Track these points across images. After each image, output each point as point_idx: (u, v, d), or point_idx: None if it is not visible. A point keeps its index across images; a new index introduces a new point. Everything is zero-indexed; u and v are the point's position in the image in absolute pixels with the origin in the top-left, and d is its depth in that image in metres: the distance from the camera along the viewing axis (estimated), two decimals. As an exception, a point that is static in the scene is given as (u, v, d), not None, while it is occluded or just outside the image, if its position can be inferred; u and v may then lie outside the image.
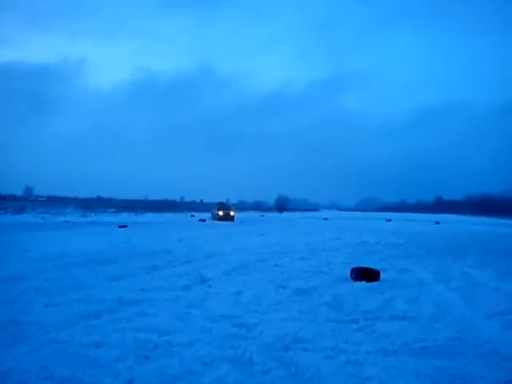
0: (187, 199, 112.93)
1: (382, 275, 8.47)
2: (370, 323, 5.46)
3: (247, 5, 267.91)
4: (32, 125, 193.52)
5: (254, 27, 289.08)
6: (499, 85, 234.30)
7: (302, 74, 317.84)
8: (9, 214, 37.97)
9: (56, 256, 10.62)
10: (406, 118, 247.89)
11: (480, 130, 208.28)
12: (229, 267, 9.51)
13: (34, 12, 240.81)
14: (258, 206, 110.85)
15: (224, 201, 46.13)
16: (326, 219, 48.09)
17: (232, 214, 38.49)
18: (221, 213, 37.88)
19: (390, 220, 48.77)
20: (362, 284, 7.90)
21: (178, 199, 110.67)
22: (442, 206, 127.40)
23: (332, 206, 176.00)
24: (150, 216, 46.70)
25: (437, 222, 44.45)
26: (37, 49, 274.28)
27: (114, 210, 57.06)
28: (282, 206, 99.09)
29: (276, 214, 75.71)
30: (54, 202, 69.24)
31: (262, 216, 61.36)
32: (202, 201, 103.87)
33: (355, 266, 9.08)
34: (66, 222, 30.55)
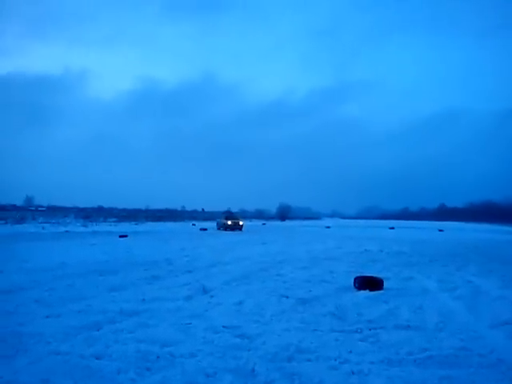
0: (188, 208, 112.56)
1: (385, 284, 8.40)
2: (373, 333, 5.41)
3: (249, 13, 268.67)
4: (32, 135, 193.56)
5: (256, 35, 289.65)
6: (501, 91, 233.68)
7: (304, 82, 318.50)
8: (9, 224, 38.05)
9: (56, 266, 10.59)
10: (408, 125, 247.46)
11: (482, 137, 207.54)
12: (230, 277, 9.46)
13: (35, 22, 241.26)
14: (260, 215, 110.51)
15: (227, 209, 44.91)
16: (328, 227, 48.03)
17: (241, 223, 37.71)
18: (229, 222, 37.09)
19: (392, 228, 48.64)
20: (366, 293, 7.84)
21: (179, 208, 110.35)
22: (444, 213, 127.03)
23: (334, 215, 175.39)
24: (150, 225, 46.69)
25: (440, 230, 44.27)
26: (38, 59, 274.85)
27: (114, 219, 57.10)
28: (283, 214, 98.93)
29: (278, 223, 75.55)
30: (55, 212, 69.18)
31: (264, 224, 61.25)
32: (203, 210, 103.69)
33: (358, 274, 9.03)
34: (66, 231, 30.54)
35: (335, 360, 4.39)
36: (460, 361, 4.40)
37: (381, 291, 8.06)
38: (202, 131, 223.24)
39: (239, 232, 33.30)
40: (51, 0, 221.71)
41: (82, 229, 35.33)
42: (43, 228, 34.15)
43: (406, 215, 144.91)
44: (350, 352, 4.64)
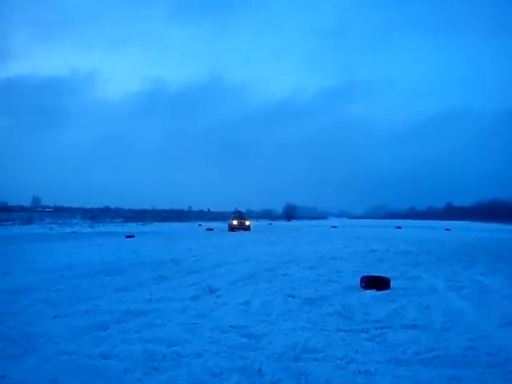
0: (194, 208, 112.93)
1: (392, 283, 8.38)
2: (380, 332, 5.39)
3: (256, 14, 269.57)
4: (40, 136, 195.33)
5: (263, 36, 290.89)
6: (507, 90, 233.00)
7: (311, 83, 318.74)
8: (17, 225, 38.26)
9: (63, 267, 10.65)
10: (414, 124, 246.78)
11: (489, 136, 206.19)
12: (237, 277, 9.46)
13: (44, 24, 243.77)
14: (266, 215, 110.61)
15: (235, 209, 43.02)
16: (334, 227, 47.89)
17: (247, 223, 36.36)
18: (235, 222, 35.90)
19: (399, 227, 48.42)
20: (372, 292, 7.81)
21: (185, 209, 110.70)
22: (452, 212, 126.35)
23: (341, 214, 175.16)
24: (157, 225, 46.78)
25: (447, 229, 44.11)
26: (46, 61, 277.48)
27: (121, 220, 57.26)
28: (290, 214, 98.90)
29: (284, 223, 75.53)
30: (62, 213, 69.61)
31: (270, 224, 61.24)
32: (209, 210, 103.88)
33: (365, 274, 9.01)
34: (73, 232, 30.68)
35: (342, 360, 4.38)
36: (468, 360, 4.37)
37: (387, 291, 8.04)
38: (209, 132, 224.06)
39: (245, 232, 33.19)
40: (60, 3, 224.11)
41: (88, 229, 35.48)
42: (50, 229, 34.34)
43: (412, 214, 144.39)
44: (357, 351, 4.63)
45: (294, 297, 7.41)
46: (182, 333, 5.20)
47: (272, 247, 18.22)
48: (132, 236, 24.34)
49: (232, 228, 35.05)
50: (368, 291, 7.94)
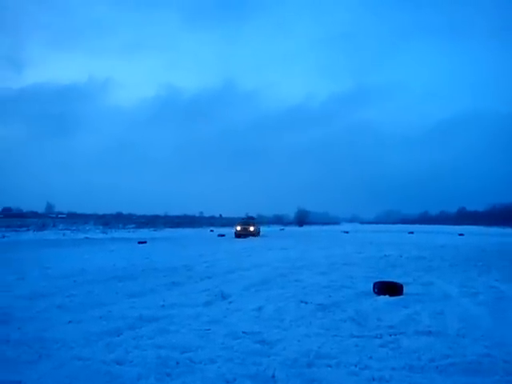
0: (206, 214, 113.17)
1: (405, 289, 8.31)
2: (394, 338, 5.34)
3: (269, 20, 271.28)
4: (54, 143, 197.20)
5: (275, 43, 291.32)
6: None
7: (322, 88, 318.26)
8: (31, 231, 38.64)
9: (76, 273, 10.72)
10: (427, 128, 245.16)
11: (502, 139, 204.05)
12: (249, 283, 9.45)
13: (59, 33, 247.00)
14: (278, 220, 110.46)
15: (246, 214, 41.61)
16: (346, 232, 47.68)
17: (251, 229, 34.88)
18: (238, 228, 35.02)
19: (412, 232, 48.05)
20: (385, 298, 7.76)
21: (197, 214, 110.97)
22: (465, 217, 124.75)
23: (353, 219, 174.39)
24: (169, 231, 46.93)
25: (460, 234, 43.71)
26: (62, 69, 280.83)
27: (133, 225, 57.55)
28: (301, 219, 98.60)
29: (296, 228, 75.38)
30: (75, 219, 70.19)
31: (282, 230, 61.18)
32: (220, 216, 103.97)
33: (378, 280, 8.95)
34: (86, 238, 30.91)
35: (355, 366, 4.35)
36: (484, 368, 4.31)
37: (401, 296, 7.98)
38: (221, 137, 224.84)
39: (256, 238, 33.05)
40: (74, 11, 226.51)
41: (101, 235, 35.72)
42: (64, 235, 34.65)
43: (425, 219, 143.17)
44: (371, 358, 4.60)
45: (306, 303, 7.38)
46: (195, 339, 5.20)
47: (284, 253, 18.17)
48: (144, 242, 24.46)
49: (238, 234, 34.00)
50: (381, 297, 7.89)
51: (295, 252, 18.52)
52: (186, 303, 7.26)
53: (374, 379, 4.00)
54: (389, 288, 8.19)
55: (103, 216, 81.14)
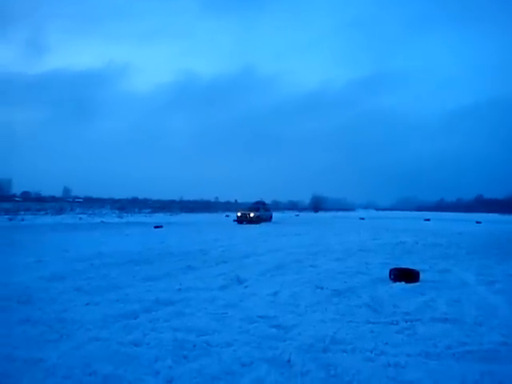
0: (222, 199, 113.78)
1: (421, 276, 8.26)
2: (410, 325, 5.33)
3: (288, 5, 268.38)
4: (72, 128, 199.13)
5: (294, 27, 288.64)
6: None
7: (341, 74, 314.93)
8: (49, 215, 39.20)
9: (93, 256, 10.86)
10: (444, 115, 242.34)
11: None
12: (265, 268, 9.48)
13: (78, 19, 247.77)
14: (293, 206, 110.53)
15: (258, 199, 40.69)
16: (362, 219, 47.49)
17: (251, 215, 32.93)
18: (239, 214, 33.61)
19: (428, 219, 47.62)
20: (401, 285, 7.72)
21: (212, 199, 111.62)
22: (482, 204, 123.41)
23: (369, 206, 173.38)
24: (184, 216, 47.20)
25: (478, 222, 43.24)
26: (81, 55, 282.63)
27: (149, 210, 57.98)
28: (317, 205, 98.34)
29: (311, 214, 75.23)
30: (91, 203, 71.04)
31: (297, 216, 61.13)
32: (236, 201, 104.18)
33: (394, 266, 8.91)
34: (102, 222, 31.23)
35: (371, 352, 4.35)
36: (502, 356, 4.28)
37: (417, 283, 7.93)
38: (237, 123, 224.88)
39: (269, 223, 33.00)
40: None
41: (117, 220, 36.03)
42: (80, 219, 35.02)
43: (442, 206, 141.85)
44: (386, 344, 4.59)
45: (322, 288, 7.38)
46: (211, 322, 5.24)
47: (299, 238, 18.17)
48: (160, 226, 24.63)
49: (240, 220, 32.88)
50: (397, 283, 7.85)
51: (310, 238, 18.51)
52: (202, 287, 7.32)
53: (389, 365, 4.00)
54: (405, 274, 8.15)
55: (119, 200, 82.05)
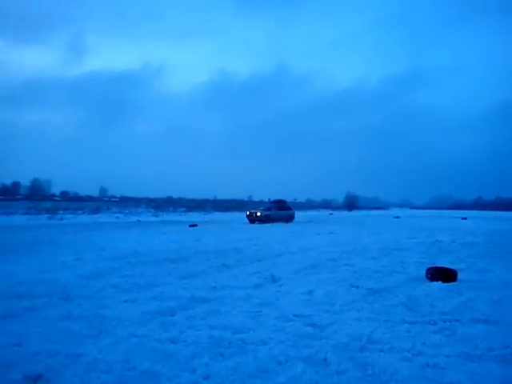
0: (255, 198, 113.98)
1: (459, 275, 8.07)
2: (448, 325, 5.21)
3: (322, 3, 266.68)
4: (108, 129, 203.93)
5: (328, 25, 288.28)
6: None
7: (376, 71, 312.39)
8: (86, 214, 40.22)
9: (130, 254, 11.06)
10: (482, 112, 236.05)
11: None
12: (299, 266, 9.45)
13: (114, 20, 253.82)
14: (327, 205, 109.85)
15: (277, 199, 37.65)
16: (397, 217, 46.70)
17: (258, 214, 30.86)
18: (248, 213, 32.09)
19: (465, 218, 46.32)
20: (439, 284, 7.56)
21: (245, 198, 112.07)
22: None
23: (403, 204, 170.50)
24: (218, 215, 47.55)
25: (518, 220, 41.93)
26: (118, 56, 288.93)
27: (183, 209, 58.70)
28: (351, 204, 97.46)
29: (345, 213, 74.56)
30: (127, 202, 72.41)
31: (331, 214, 60.70)
32: (269, 200, 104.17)
33: (430, 265, 8.74)
34: (138, 221, 31.80)
35: (408, 352, 4.28)
36: (546, 358, 4.14)
37: (454, 283, 7.75)
38: (271, 122, 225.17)
39: (305, 223, 32.72)
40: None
41: (152, 218, 36.67)
42: (117, 218, 35.84)
43: (480, 205, 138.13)
44: (424, 344, 4.50)
45: (357, 287, 7.31)
46: (247, 320, 5.27)
47: (333, 237, 18.01)
48: (195, 225, 24.89)
49: (251, 220, 31.25)
50: (434, 283, 7.70)
51: (344, 237, 18.31)
52: (237, 285, 7.36)
53: (428, 365, 3.93)
54: (442, 274, 7.98)
55: (154, 200, 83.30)
